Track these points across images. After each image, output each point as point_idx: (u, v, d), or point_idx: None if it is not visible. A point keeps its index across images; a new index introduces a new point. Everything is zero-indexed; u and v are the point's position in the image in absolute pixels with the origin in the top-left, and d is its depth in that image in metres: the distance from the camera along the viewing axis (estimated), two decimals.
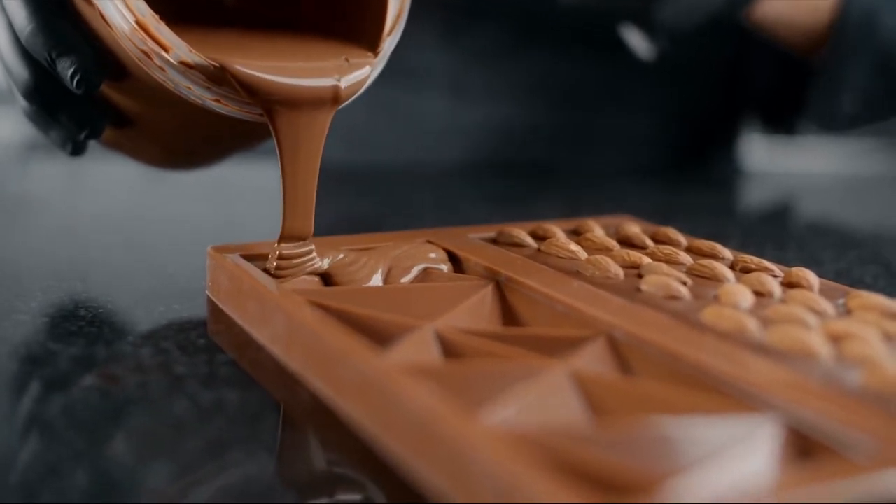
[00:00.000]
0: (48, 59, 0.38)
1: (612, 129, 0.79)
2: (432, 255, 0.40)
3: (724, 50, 0.80)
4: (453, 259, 0.41)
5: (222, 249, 0.40)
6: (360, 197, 0.63)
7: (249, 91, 0.36)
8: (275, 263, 0.38)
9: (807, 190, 0.85)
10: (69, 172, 0.75)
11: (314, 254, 0.39)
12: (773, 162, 0.97)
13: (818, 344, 0.30)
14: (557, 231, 0.43)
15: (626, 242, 0.42)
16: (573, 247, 0.40)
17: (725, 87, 0.83)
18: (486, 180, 0.74)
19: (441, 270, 0.40)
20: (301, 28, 0.42)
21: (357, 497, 0.26)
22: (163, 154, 0.48)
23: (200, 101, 0.36)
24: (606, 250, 0.41)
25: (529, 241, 0.42)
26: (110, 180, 0.71)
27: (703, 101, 0.82)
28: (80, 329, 0.37)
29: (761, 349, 0.30)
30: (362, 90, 0.38)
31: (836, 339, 0.31)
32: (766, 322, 0.32)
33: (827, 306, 0.34)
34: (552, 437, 0.25)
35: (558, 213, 0.47)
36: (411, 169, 0.74)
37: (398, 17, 0.39)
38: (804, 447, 0.26)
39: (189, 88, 0.36)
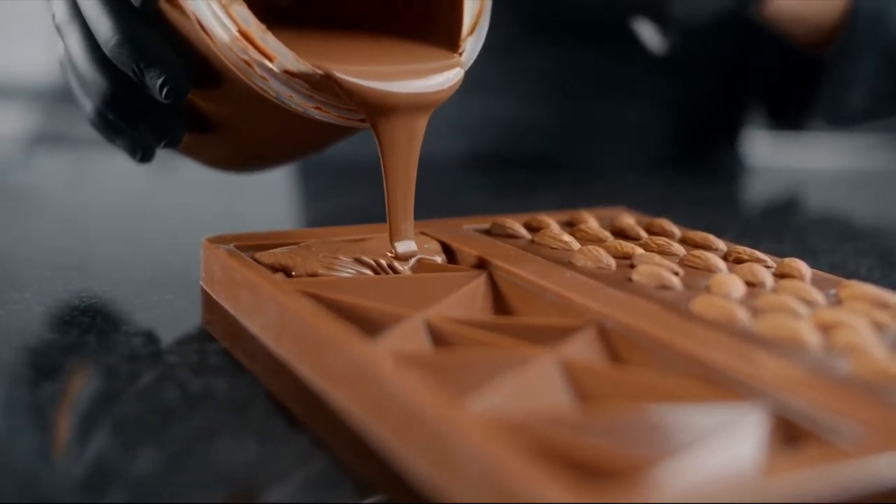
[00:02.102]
0: (136, 69, 0.37)
1: (617, 122, 0.79)
2: (426, 246, 0.40)
3: (730, 44, 0.79)
4: (447, 250, 0.41)
5: (217, 240, 0.40)
6: (363, 189, 0.63)
7: (357, 99, 0.36)
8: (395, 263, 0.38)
9: (810, 184, 0.85)
10: (72, 165, 0.75)
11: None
12: (778, 156, 0.97)
13: (807, 333, 0.30)
14: (551, 222, 0.43)
15: (620, 233, 0.42)
16: (566, 237, 0.40)
17: (731, 82, 0.83)
18: (490, 173, 0.74)
19: (435, 261, 0.40)
20: (373, 28, 0.42)
21: (344, 484, 0.26)
22: (232, 157, 0.47)
23: (301, 110, 0.36)
24: (599, 241, 0.41)
25: (523, 232, 0.42)
26: (113, 173, 0.71)
27: (708, 95, 0.82)
28: (74, 318, 0.37)
29: (750, 338, 0.30)
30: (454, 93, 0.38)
31: (825, 328, 0.31)
32: (756, 311, 0.32)
33: (818, 296, 0.34)
34: (537, 422, 0.25)
35: (560, 205, 0.47)
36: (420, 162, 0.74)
37: (479, 14, 0.39)
38: (791, 434, 0.26)
39: (291, 97, 0.36)
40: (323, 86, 0.35)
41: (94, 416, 0.30)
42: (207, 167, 0.48)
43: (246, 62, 0.35)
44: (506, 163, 0.75)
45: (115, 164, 0.70)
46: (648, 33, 0.67)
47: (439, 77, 0.37)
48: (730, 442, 0.24)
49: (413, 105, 0.37)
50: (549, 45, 0.76)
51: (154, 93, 0.37)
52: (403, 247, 0.39)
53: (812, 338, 0.30)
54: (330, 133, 0.41)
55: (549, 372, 0.29)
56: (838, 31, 0.66)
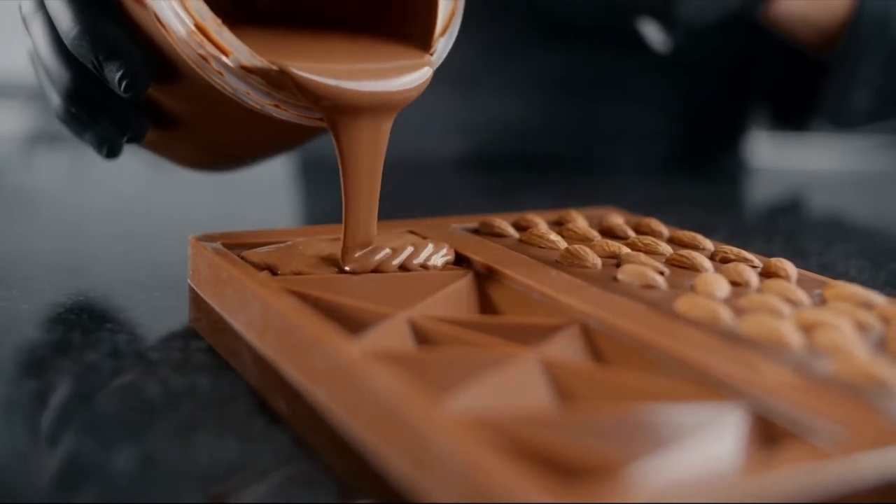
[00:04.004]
0: (95, 62, 0.37)
1: (619, 123, 0.79)
2: (439, 254, 0.40)
3: (734, 45, 0.79)
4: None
5: (204, 238, 0.40)
6: None
7: (312, 97, 0.35)
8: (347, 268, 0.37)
9: (812, 186, 0.85)
10: (70, 165, 0.75)
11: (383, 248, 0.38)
12: (780, 158, 0.97)
13: (789, 333, 0.30)
14: (540, 221, 0.43)
15: (608, 233, 0.42)
16: (553, 237, 0.40)
17: (734, 83, 0.83)
18: (490, 173, 0.74)
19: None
20: (349, 28, 0.41)
21: (323, 482, 0.26)
22: (202, 156, 0.47)
23: (259, 107, 0.35)
24: (587, 240, 0.41)
25: (511, 231, 0.42)
26: (110, 172, 0.71)
27: (711, 96, 0.82)
28: (59, 316, 0.37)
29: (733, 338, 0.30)
30: (422, 93, 0.37)
31: (808, 329, 0.31)
32: (739, 311, 0.32)
33: (802, 296, 0.34)
34: (515, 421, 0.25)
35: (558, 206, 0.47)
36: (415, 162, 0.74)
37: (452, 14, 0.38)
38: (771, 434, 0.26)
39: (248, 94, 0.35)
40: (279, 82, 0.35)
41: (73, 413, 0.30)
42: (177, 165, 0.48)
43: (202, 57, 0.34)
44: (506, 163, 0.75)
45: (113, 164, 0.70)
46: (653, 34, 0.67)
47: (404, 77, 0.36)
48: (708, 441, 0.24)
49: (371, 104, 0.36)
50: (551, 45, 0.76)
51: (113, 86, 0.37)
52: (357, 264, 0.37)
53: (794, 338, 0.30)
54: (298, 132, 0.41)
55: (531, 371, 0.29)
56: (842, 33, 0.66)
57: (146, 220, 0.57)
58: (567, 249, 0.38)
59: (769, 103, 0.84)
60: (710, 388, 0.27)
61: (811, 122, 0.79)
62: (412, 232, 0.42)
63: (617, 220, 0.44)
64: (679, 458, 0.23)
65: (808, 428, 0.25)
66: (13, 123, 1.05)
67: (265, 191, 0.69)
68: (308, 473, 0.27)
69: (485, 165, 0.75)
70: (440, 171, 0.74)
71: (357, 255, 0.37)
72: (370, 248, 0.38)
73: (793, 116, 0.83)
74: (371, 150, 0.36)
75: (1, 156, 0.84)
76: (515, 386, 0.28)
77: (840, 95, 0.69)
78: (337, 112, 0.35)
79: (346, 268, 0.37)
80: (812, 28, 0.67)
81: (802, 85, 0.74)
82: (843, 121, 0.72)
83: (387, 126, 0.37)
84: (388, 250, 0.38)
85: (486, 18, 0.75)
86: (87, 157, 0.70)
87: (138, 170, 0.70)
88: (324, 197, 0.67)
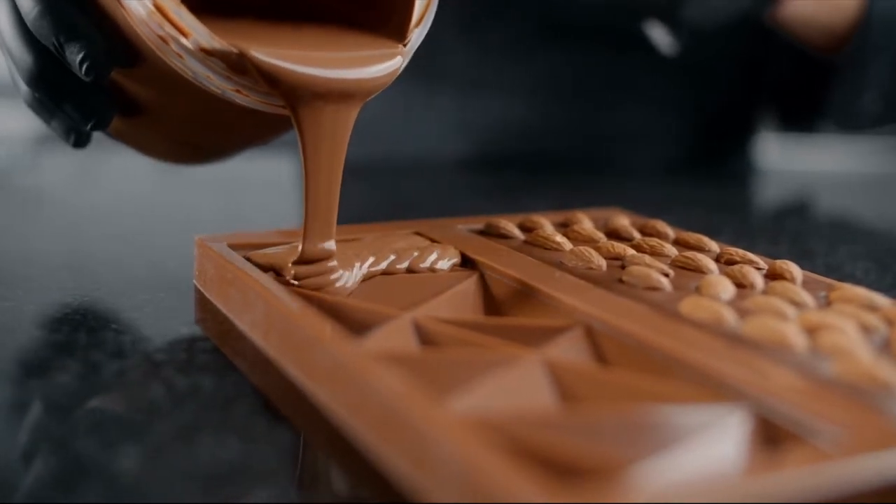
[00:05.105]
0: (55, 43, 0.36)
1: (625, 124, 0.79)
2: (445, 259, 0.40)
3: (741, 47, 0.79)
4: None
5: (210, 239, 0.40)
6: (365, 189, 0.64)
7: (270, 81, 0.34)
8: (293, 272, 0.36)
9: (820, 188, 0.85)
10: (77, 165, 0.75)
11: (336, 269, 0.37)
12: (788, 160, 0.97)
13: (793, 334, 0.30)
14: (545, 223, 0.43)
15: (614, 234, 0.42)
16: (559, 238, 0.40)
17: (742, 85, 0.83)
18: (495, 174, 0.74)
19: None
20: (325, 18, 0.40)
21: (325, 482, 0.26)
22: (171, 147, 0.46)
23: (220, 91, 0.35)
24: (592, 242, 0.40)
25: (517, 232, 0.42)
26: (119, 173, 0.71)
27: (718, 97, 0.82)
28: (65, 316, 0.38)
29: (736, 339, 0.30)
30: (389, 83, 0.36)
31: (812, 330, 0.31)
32: (743, 313, 0.32)
33: (807, 298, 0.34)
34: (516, 422, 0.25)
35: (564, 207, 0.47)
36: (420, 163, 0.74)
37: (427, 6, 0.37)
38: (772, 435, 0.26)
39: (208, 77, 0.34)
40: (240, 66, 0.34)
41: (77, 413, 0.30)
42: (146, 156, 0.47)
43: (162, 38, 0.33)
44: (510, 164, 0.75)
45: (121, 164, 0.70)
46: (660, 36, 0.67)
47: (370, 65, 0.35)
48: (709, 442, 0.24)
49: (329, 91, 0.34)
50: (557, 46, 0.76)
51: (75, 68, 0.36)
52: (309, 268, 0.36)
53: (798, 340, 0.30)
54: (267, 124, 0.40)
55: (534, 372, 0.29)
56: (851, 35, 0.66)
57: (152, 221, 0.57)
58: (572, 251, 0.38)
59: (777, 105, 0.84)
60: (713, 389, 0.27)
61: (819, 124, 0.79)
62: (418, 234, 0.42)
63: (622, 221, 0.44)
64: (681, 459, 0.23)
65: (811, 429, 0.25)
66: (21, 123, 1.05)
67: (271, 191, 0.69)
68: (309, 474, 0.27)
69: (489, 166, 0.75)
70: (445, 171, 0.74)
71: (305, 268, 0.36)
72: (325, 266, 0.37)
73: (800, 118, 0.83)
74: (332, 141, 0.36)
75: (9, 156, 0.84)
76: (518, 387, 0.28)
77: (848, 98, 0.68)
78: (295, 98, 0.35)
79: (288, 277, 0.36)
80: (820, 30, 0.67)
81: (810, 87, 0.74)
82: (851, 123, 0.72)
83: (347, 116, 0.36)
84: (342, 274, 0.37)
85: (492, 19, 0.75)
86: (93, 157, 0.70)
87: (145, 170, 0.70)
88: None
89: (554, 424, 0.25)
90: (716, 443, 0.24)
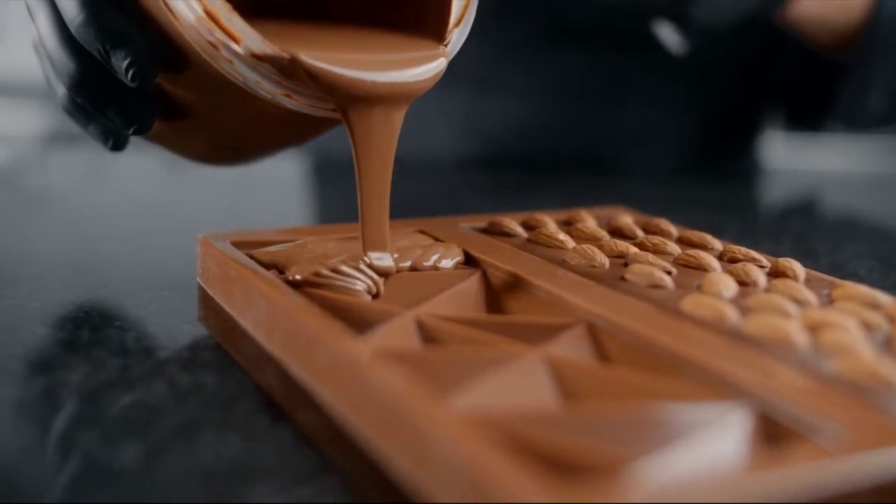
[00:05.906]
0: (101, 50, 0.36)
1: (632, 124, 0.79)
2: (449, 258, 0.40)
3: (748, 46, 0.79)
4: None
5: (213, 237, 0.40)
6: None
7: (323, 85, 0.34)
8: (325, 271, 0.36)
9: (825, 187, 0.84)
10: (87, 165, 0.75)
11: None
12: (794, 159, 0.97)
13: (795, 332, 0.30)
14: (548, 221, 0.43)
15: (617, 233, 0.42)
16: (562, 236, 0.40)
17: (748, 84, 0.82)
18: (499, 174, 0.74)
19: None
20: (362, 22, 0.40)
21: (326, 481, 0.26)
22: (210, 150, 0.46)
23: (270, 96, 0.35)
24: (595, 240, 0.40)
25: (520, 230, 0.42)
26: (128, 172, 0.71)
27: (725, 97, 0.82)
28: (68, 314, 0.38)
29: (738, 337, 0.30)
30: (434, 85, 0.36)
31: (814, 328, 0.31)
32: (745, 311, 0.32)
33: (810, 296, 0.34)
34: (518, 419, 0.25)
35: (568, 207, 0.47)
36: (425, 161, 0.74)
37: (466, 6, 0.37)
38: (774, 433, 0.26)
39: (258, 82, 0.34)
40: (291, 71, 0.34)
41: (81, 410, 0.30)
42: (182, 158, 0.47)
43: (212, 44, 0.33)
44: (515, 164, 0.75)
45: (130, 163, 0.71)
46: (668, 36, 0.67)
47: (417, 67, 0.36)
48: (711, 440, 0.24)
49: (383, 94, 0.35)
50: (564, 46, 0.76)
51: (120, 75, 0.36)
52: (377, 258, 0.37)
53: (800, 337, 0.30)
54: (307, 125, 0.40)
55: (535, 370, 0.29)
56: (859, 34, 0.66)
57: (156, 220, 0.57)
58: (575, 249, 0.38)
59: (783, 104, 0.84)
60: (715, 386, 0.27)
61: (826, 123, 0.79)
62: (422, 232, 0.42)
63: (626, 219, 0.44)
64: (682, 457, 0.23)
65: (812, 427, 0.25)
66: (30, 123, 1.05)
67: (275, 190, 0.69)
68: (310, 471, 0.27)
69: (494, 166, 0.75)
70: (449, 171, 0.74)
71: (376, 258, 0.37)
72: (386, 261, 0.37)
73: (807, 117, 0.83)
74: (384, 141, 0.36)
75: (17, 156, 0.84)
76: (520, 384, 0.28)
77: (855, 97, 0.68)
78: (349, 102, 0.35)
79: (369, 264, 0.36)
80: (828, 29, 0.67)
81: (817, 86, 0.74)
82: (858, 122, 0.72)
83: (398, 117, 0.36)
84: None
85: (499, 19, 0.75)
86: (101, 157, 0.70)
87: (150, 169, 0.70)
88: (333, 196, 0.67)
89: (556, 422, 0.25)
90: (717, 440, 0.24)
